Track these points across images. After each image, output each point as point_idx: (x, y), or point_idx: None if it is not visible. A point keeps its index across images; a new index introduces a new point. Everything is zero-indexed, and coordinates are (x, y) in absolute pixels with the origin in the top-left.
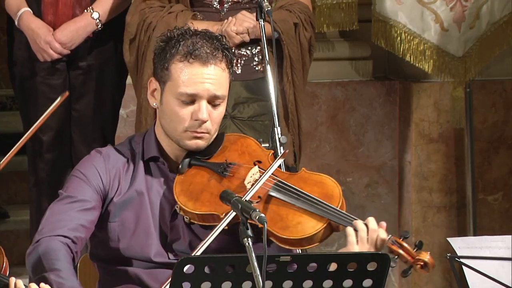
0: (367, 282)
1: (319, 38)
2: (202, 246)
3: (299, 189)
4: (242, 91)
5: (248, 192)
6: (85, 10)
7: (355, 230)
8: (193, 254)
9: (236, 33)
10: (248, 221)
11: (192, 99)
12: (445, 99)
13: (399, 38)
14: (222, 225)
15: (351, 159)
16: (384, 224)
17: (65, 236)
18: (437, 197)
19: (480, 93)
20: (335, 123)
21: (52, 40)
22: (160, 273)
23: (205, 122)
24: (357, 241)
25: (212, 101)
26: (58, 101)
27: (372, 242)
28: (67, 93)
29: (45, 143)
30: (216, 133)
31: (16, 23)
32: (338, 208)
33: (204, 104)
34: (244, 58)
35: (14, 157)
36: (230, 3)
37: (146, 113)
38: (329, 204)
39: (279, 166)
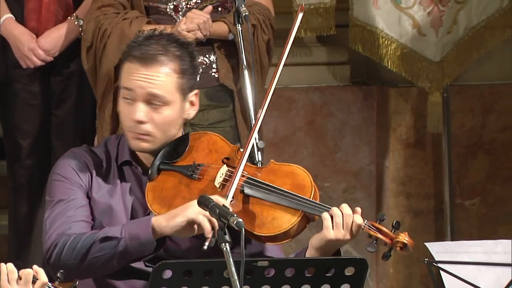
0: (345, 287)
1: (297, 43)
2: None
3: (270, 184)
4: (202, 98)
5: (229, 195)
6: (69, 17)
7: (331, 215)
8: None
9: (188, 31)
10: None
11: (132, 97)
12: (422, 104)
13: (376, 43)
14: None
15: (329, 164)
16: (359, 209)
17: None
18: (415, 202)
19: (457, 98)
20: (313, 128)
21: (35, 47)
22: (138, 283)
23: (141, 123)
24: (333, 226)
25: (150, 101)
26: None
27: (347, 227)
28: None
29: (24, 149)
30: (167, 137)
31: None
32: (311, 199)
33: (139, 104)
34: (202, 66)
35: None
36: (184, 10)
37: (102, 119)
38: (302, 196)
39: (248, 161)
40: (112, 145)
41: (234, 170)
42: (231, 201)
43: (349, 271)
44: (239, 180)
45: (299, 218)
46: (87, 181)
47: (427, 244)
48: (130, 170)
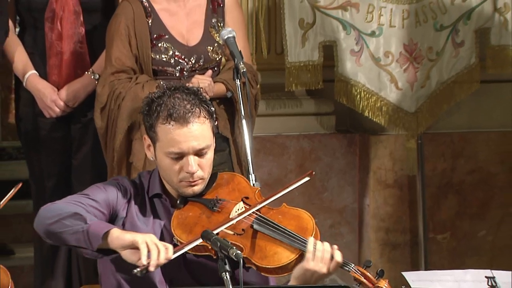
0: None
1: (289, 96)
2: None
3: (277, 223)
4: None
5: (228, 223)
6: (86, 72)
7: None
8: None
9: None
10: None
11: (180, 156)
12: (399, 150)
13: (358, 96)
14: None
15: (317, 203)
16: (338, 253)
17: (80, 206)
18: (393, 236)
19: (430, 145)
20: (303, 170)
21: (57, 98)
22: None
23: (195, 173)
24: (313, 258)
25: (199, 153)
26: (12, 191)
27: (324, 261)
28: (20, 184)
29: (48, 189)
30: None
31: (24, 83)
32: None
33: (191, 158)
34: None
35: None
36: (189, 71)
37: (118, 174)
38: (303, 237)
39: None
40: (145, 178)
41: (249, 207)
42: (241, 233)
43: None
44: (251, 216)
45: (297, 255)
46: (123, 206)
47: (404, 273)
48: (160, 202)
